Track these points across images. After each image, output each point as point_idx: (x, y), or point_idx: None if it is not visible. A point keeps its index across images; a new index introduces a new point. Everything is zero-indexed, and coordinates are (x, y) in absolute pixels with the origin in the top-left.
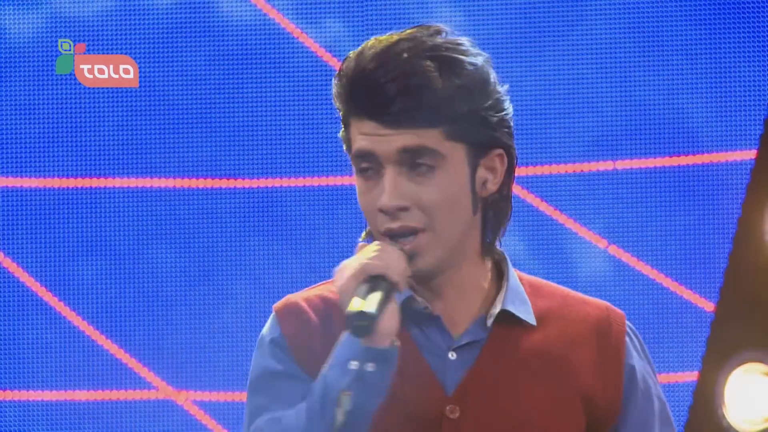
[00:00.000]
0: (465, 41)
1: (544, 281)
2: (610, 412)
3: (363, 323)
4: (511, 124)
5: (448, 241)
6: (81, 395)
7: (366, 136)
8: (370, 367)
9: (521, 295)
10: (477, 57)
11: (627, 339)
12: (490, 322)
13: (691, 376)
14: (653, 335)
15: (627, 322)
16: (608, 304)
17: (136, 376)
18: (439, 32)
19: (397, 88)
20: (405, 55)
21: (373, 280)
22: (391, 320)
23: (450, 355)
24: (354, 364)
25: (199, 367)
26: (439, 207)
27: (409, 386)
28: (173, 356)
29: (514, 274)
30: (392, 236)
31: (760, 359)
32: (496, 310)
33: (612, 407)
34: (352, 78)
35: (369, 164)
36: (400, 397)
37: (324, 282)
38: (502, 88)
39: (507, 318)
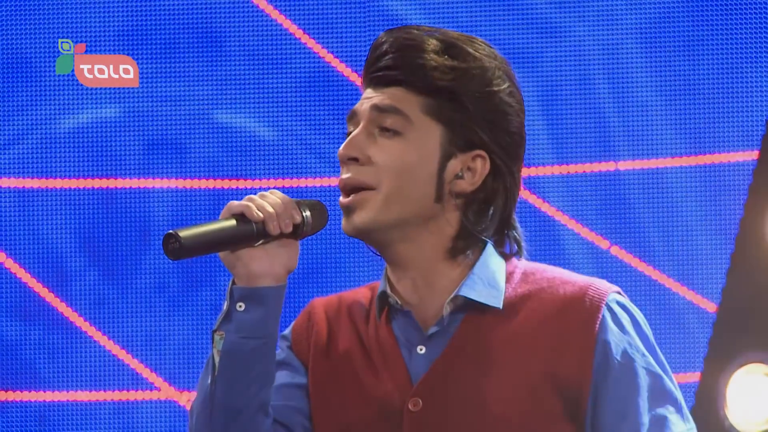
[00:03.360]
0: (489, 50)
1: (546, 267)
2: (580, 388)
3: (172, 244)
4: (513, 140)
5: (394, 209)
6: (83, 396)
7: (361, 100)
8: (239, 307)
9: (489, 281)
10: (491, 62)
11: (604, 313)
12: (447, 311)
13: (693, 377)
14: (655, 336)
15: (616, 297)
16: (598, 281)
17: (138, 377)
18: (470, 36)
19: (390, 48)
20: (417, 31)
21: (235, 217)
22: (264, 262)
23: (419, 349)
24: (226, 304)
25: (201, 368)
26: (390, 169)
27: (381, 379)
28: (175, 357)
29: (492, 261)
30: (343, 188)
31: (762, 360)
32: (452, 296)
33: (582, 383)
34: (369, 50)
35: (352, 127)
36: (371, 388)
37: (363, 286)
38: (510, 101)
39: (475, 307)
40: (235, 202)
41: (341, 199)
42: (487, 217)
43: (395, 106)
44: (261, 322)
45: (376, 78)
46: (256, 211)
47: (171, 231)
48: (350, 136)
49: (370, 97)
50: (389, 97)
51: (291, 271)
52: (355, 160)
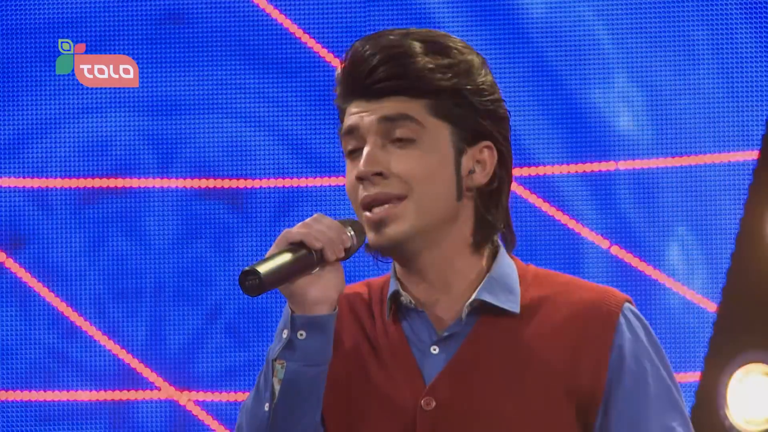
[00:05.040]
0: (460, 41)
1: (556, 273)
2: (594, 393)
3: (251, 281)
4: (507, 124)
5: (426, 215)
6: (83, 395)
7: (353, 115)
8: (300, 335)
9: (506, 285)
10: (471, 53)
11: (620, 320)
12: (465, 313)
13: (693, 377)
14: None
15: (629, 306)
16: (612, 289)
17: (139, 377)
18: (439, 32)
19: (380, 59)
20: (392, 37)
21: (294, 247)
22: (319, 288)
23: (432, 349)
24: (285, 333)
25: (202, 368)
26: (418, 176)
27: (393, 378)
28: (175, 357)
29: (506, 264)
30: (369, 205)
31: (762, 360)
32: (471, 299)
33: (596, 388)
34: (346, 61)
35: (355, 143)
36: (383, 389)
37: (359, 282)
38: (495, 87)
39: (490, 309)
40: (292, 231)
41: (367, 214)
42: (499, 204)
43: (406, 113)
44: (322, 349)
45: (371, 90)
46: (315, 239)
47: (247, 268)
48: (367, 153)
49: (368, 110)
50: (395, 106)
51: (341, 293)
52: (380, 174)
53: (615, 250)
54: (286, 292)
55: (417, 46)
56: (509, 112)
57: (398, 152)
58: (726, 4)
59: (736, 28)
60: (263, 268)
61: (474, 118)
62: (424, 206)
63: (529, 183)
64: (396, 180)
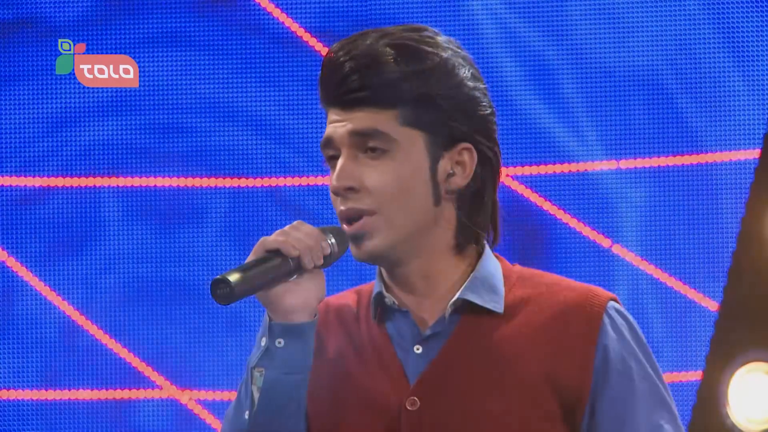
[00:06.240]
0: (440, 39)
1: (541, 273)
2: (580, 392)
3: (222, 290)
4: (488, 122)
5: (401, 228)
6: (84, 394)
7: (330, 124)
8: (278, 343)
9: (490, 284)
10: (446, 51)
11: (605, 319)
12: (448, 312)
13: (694, 376)
14: (657, 335)
15: (614, 304)
16: (597, 288)
17: (140, 375)
18: (416, 30)
19: (350, 68)
20: (368, 41)
21: (270, 255)
22: (297, 296)
23: (416, 349)
24: (264, 340)
25: (203, 366)
26: (387, 191)
27: (377, 379)
28: (177, 355)
29: (491, 264)
30: (346, 219)
31: (763, 358)
32: (454, 299)
33: (582, 387)
34: (322, 65)
35: (332, 153)
36: (367, 389)
37: (348, 290)
38: (476, 84)
39: (474, 309)
40: (269, 239)
41: (346, 227)
42: (482, 205)
43: (375, 128)
44: (301, 357)
45: (343, 100)
46: (292, 246)
47: (219, 277)
48: (339, 168)
49: (341, 121)
50: (365, 119)
51: (322, 300)
52: (351, 189)
53: (616, 249)
54: (263, 299)
55: (388, 52)
56: (494, 106)
57: (371, 164)
58: (727, 3)
59: (736, 27)
60: (235, 278)
61: (448, 123)
62: (397, 219)
63: (531, 182)
64: (367, 195)
